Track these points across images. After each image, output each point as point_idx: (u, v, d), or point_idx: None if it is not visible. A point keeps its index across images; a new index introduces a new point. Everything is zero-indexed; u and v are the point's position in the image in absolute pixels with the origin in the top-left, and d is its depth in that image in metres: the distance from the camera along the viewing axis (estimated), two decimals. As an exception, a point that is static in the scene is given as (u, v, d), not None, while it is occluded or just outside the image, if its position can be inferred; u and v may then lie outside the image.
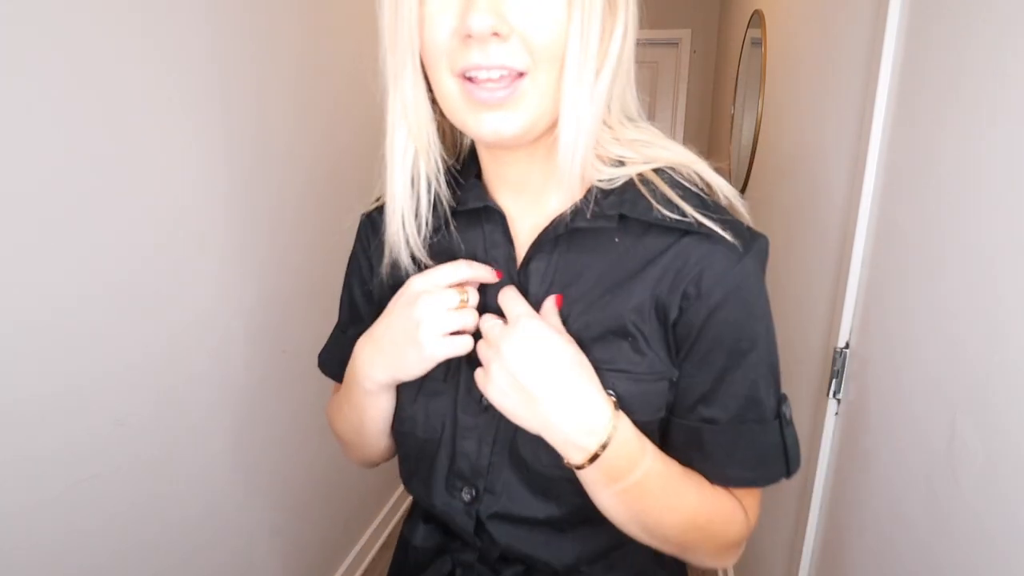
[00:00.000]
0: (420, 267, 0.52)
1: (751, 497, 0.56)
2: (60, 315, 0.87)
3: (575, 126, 0.46)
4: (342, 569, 1.78)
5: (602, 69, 0.46)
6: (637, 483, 0.48)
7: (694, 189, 0.51)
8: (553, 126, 0.47)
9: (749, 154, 2.01)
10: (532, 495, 0.54)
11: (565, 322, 0.51)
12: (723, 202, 0.53)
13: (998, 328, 0.59)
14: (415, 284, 0.51)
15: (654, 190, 0.49)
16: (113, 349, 0.95)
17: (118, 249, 0.95)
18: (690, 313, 0.49)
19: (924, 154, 0.77)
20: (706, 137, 3.65)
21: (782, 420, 0.53)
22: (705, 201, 0.50)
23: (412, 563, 0.63)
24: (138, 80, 0.95)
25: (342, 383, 0.63)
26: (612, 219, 0.49)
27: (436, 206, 0.53)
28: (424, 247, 0.53)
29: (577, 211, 0.50)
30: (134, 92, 0.95)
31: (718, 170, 0.52)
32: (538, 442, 0.49)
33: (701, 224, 0.48)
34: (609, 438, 0.46)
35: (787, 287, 1.43)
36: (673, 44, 3.59)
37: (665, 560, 0.60)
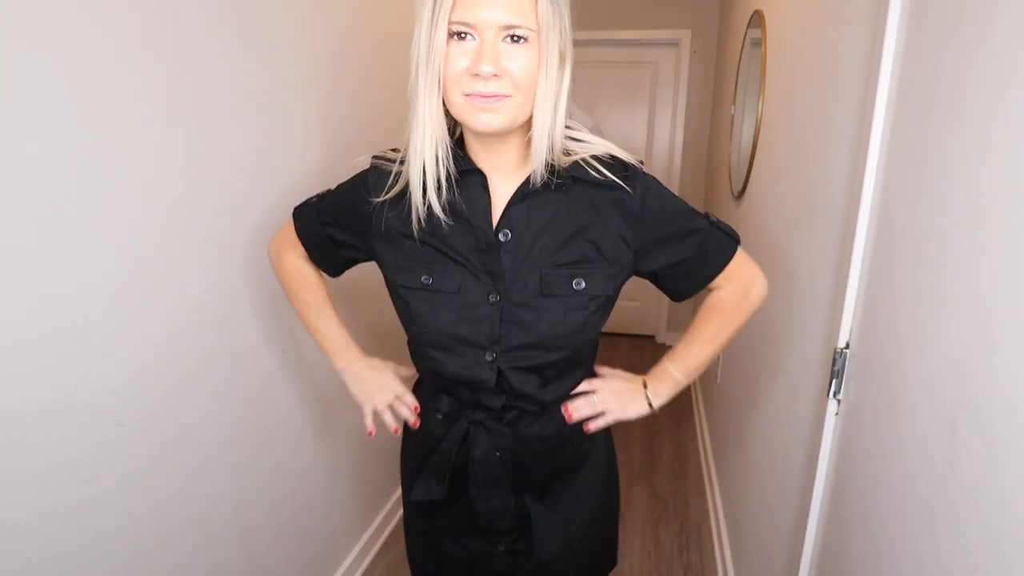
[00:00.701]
0: (445, 212, 0.77)
1: (738, 271, 0.89)
2: (60, 315, 0.87)
3: (543, 130, 0.73)
4: (342, 569, 1.78)
5: (558, 98, 0.73)
6: (685, 381, 0.92)
7: (609, 162, 0.79)
8: (522, 126, 0.75)
9: (749, 154, 2.01)
10: (533, 351, 0.80)
11: (548, 248, 0.79)
12: (627, 163, 0.81)
13: (998, 328, 0.60)
14: (388, 401, 0.97)
15: (589, 165, 0.78)
16: (113, 350, 0.95)
17: (117, 249, 0.95)
18: (639, 232, 0.81)
19: (924, 154, 0.77)
20: (706, 137, 3.65)
21: (713, 223, 0.86)
22: (614, 167, 0.79)
23: (432, 435, 0.90)
24: (135, 80, 0.95)
25: (295, 278, 1.01)
26: (567, 180, 0.78)
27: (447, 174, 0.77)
28: (444, 203, 0.77)
29: (542, 178, 0.76)
30: (129, 92, 0.95)
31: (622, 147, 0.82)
32: (539, 321, 0.78)
33: (616, 182, 0.78)
34: (652, 407, 0.91)
35: (787, 287, 1.43)
36: (673, 44, 3.59)
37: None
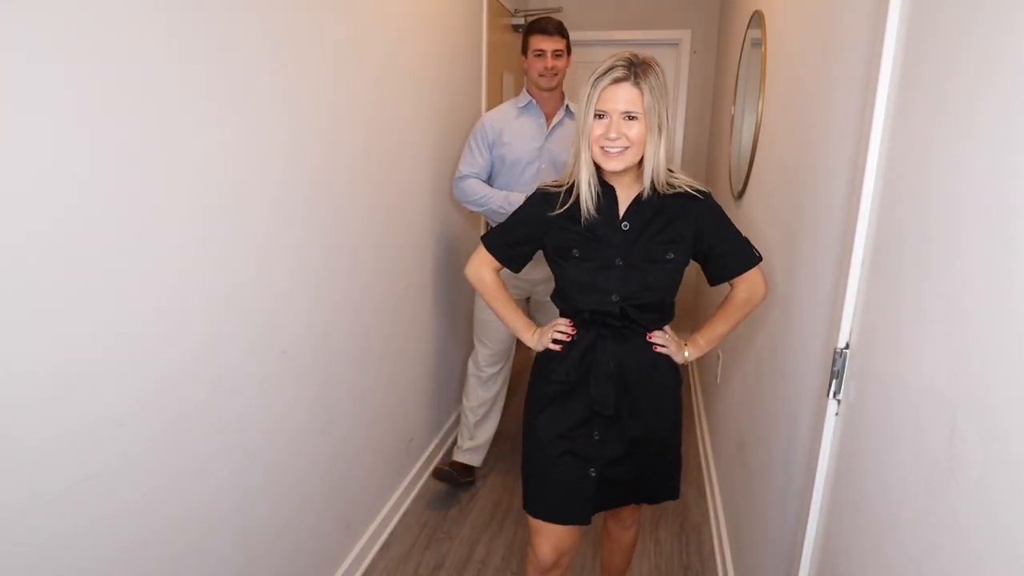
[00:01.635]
0: (591, 214, 1.25)
1: (752, 277, 1.31)
2: (59, 315, 0.87)
3: (648, 167, 1.21)
4: (342, 569, 1.78)
5: (656, 149, 1.19)
6: (706, 347, 1.37)
7: (691, 188, 1.27)
8: (637, 166, 1.23)
9: (749, 154, 2.01)
10: (642, 292, 1.26)
11: (650, 233, 1.25)
12: (701, 190, 1.28)
13: (998, 328, 0.60)
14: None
15: (679, 187, 1.26)
16: (113, 350, 0.95)
17: (117, 249, 0.95)
18: (706, 232, 1.28)
19: (924, 154, 0.77)
20: (706, 137, 3.65)
21: (745, 240, 1.31)
22: (693, 190, 1.27)
23: (569, 346, 1.33)
24: (137, 74, 0.95)
25: (489, 285, 1.46)
26: (666, 195, 1.25)
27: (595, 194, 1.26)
28: (594, 206, 1.25)
29: (651, 194, 1.25)
30: (135, 87, 0.95)
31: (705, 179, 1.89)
32: (646, 277, 1.25)
33: (695, 196, 1.27)
34: (686, 358, 1.35)
35: (787, 287, 1.43)
36: (673, 44, 3.59)
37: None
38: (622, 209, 1.26)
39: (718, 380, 2.41)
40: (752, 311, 1.35)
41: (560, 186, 1.31)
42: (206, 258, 1.13)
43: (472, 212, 2.64)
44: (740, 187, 2.15)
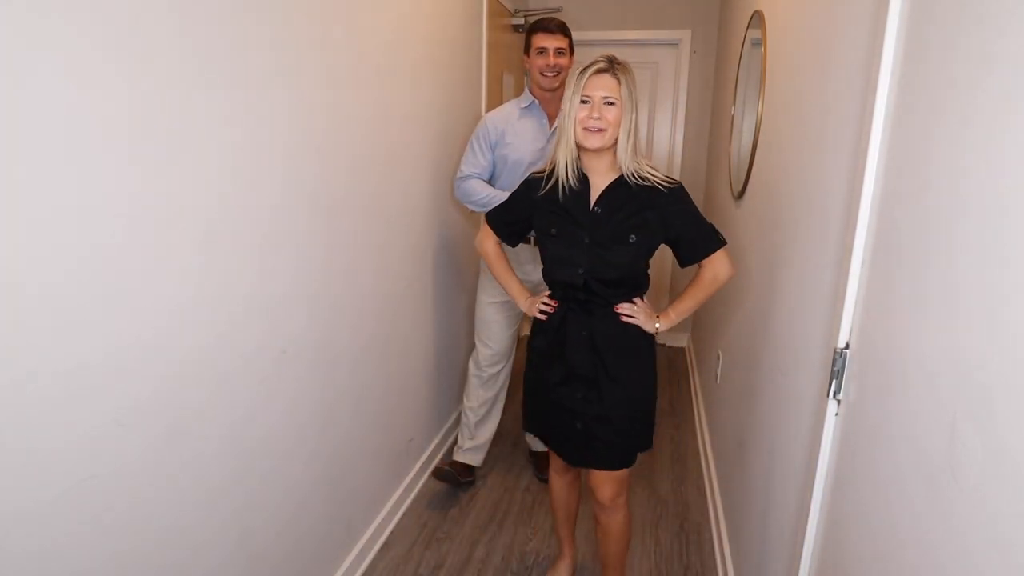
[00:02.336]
0: (567, 195, 1.46)
1: (717, 260, 1.47)
2: (59, 315, 0.87)
3: (623, 150, 1.41)
4: (342, 569, 1.78)
5: (630, 133, 1.39)
6: (676, 319, 1.53)
7: (664, 176, 1.45)
8: (611, 147, 1.42)
9: (749, 154, 2.01)
10: (604, 268, 1.43)
11: (619, 217, 1.42)
12: (671, 180, 1.44)
13: (998, 328, 0.60)
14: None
15: (649, 178, 1.43)
16: (113, 350, 0.96)
17: (117, 249, 0.95)
18: (672, 221, 1.44)
19: (924, 154, 0.77)
20: (706, 137, 3.65)
21: (711, 226, 1.47)
22: (663, 182, 1.44)
23: (550, 317, 1.55)
24: (141, 76, 0.95)
25: (495, 261, 1.72)
26: (636, 184, 1.42)
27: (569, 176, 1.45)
28: (570, 189, 1.45)
29: (623, 180, 1.43)
30: (138, 89, 0.95)
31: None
32: (608, 255, 1.43)
33: (662, 188, 1.43)
34: (656, 330, 1.52)
35: (787, 287, 1.43)
36: (673, 44, 3.60)
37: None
38: (596, 195, 1.45)
39: (718, 380, 2.41)
40: (719, 289, 1.51)
41: (542, 172, 1.53)
42: (206, 258, 1.13)
43: (472, 212, 2.63)
44: (740, 187, 2.15)
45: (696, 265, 1.49)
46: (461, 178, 2.21)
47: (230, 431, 1.25)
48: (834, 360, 0.98)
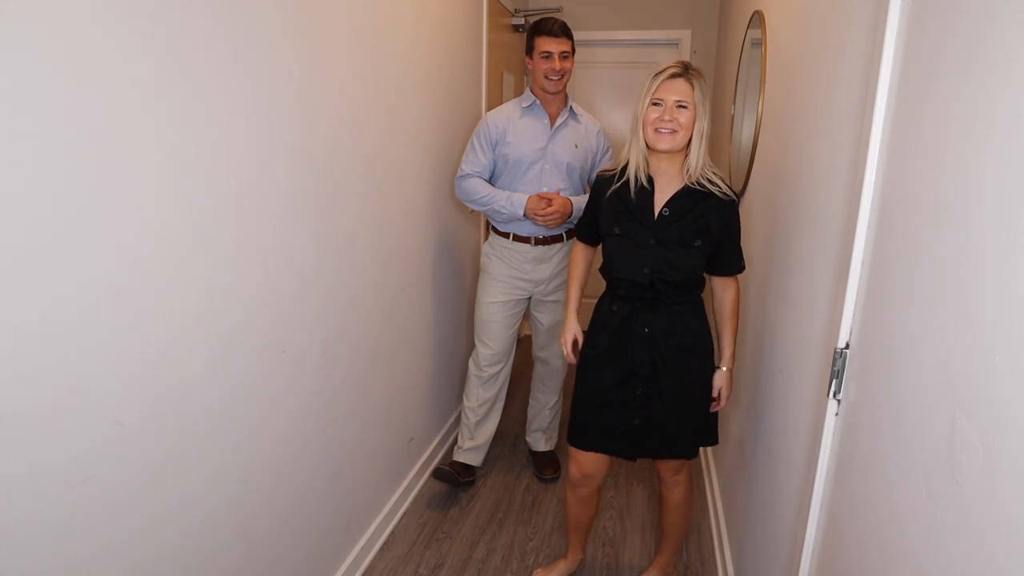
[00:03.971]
0: (633, 197, 1.51)
1: (734, 280, 1.56)
2: (59, 315, 0.87)
3: (695, 155, 1.45)
4: (342, 569, 1.78)
5: (700, 137, 1.44)
6: (731, 349, 1.60)
7: (726, 185, 1.49)
8: (681, 151, 1.47)
9: (749, 154, 2.01)
10: (669, 270, 1.47)
11: (685, 222, 1.47)
12: (734, 192, 1.49)
13: (998, 328, 0.60)
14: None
15: (717, 185, 1.48)
16: (112, 350, 0.96)
17: (118, 250, 0.95)
18: (725, 231, 1.49)
19: (924, 154, 0.77)
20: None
21: (742, 253, 1.55)
22: (731, 192, 1.49)
23: (612, 311, 1.56)
24: (145, 77, 0.95)
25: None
26: (703, 192, 1.47)
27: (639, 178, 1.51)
28: (637, 191, 1.51)
29: (690, 187, 1.48)
30: (141, 89, 0.95)
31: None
32: (674, 258, 1.47)
33: (726, 198, 1.48)
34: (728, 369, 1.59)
35: (787, 287, 1.43)
36: (673, 44, 3.59)
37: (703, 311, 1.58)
38: (663, 197, 1.50)
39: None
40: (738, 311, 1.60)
41: (613, 170, 1.57)
42: (206, 258, 1.13)
43: (472, 212, 2.64)
44: (740, 187, 2.15)
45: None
46: (461, 176, 2.21)
47: (230, 431, 1.25)
48: (834, 360, 0.98)
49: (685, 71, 1.41)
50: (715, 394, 1.57)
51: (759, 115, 1.90)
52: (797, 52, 1.52)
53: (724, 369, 1.56)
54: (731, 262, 1.53)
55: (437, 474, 2.25)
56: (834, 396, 0.99)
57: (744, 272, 1.57)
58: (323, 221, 1.53)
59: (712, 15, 3.52)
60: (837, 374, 0.98)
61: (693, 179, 1.46)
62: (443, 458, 2.52)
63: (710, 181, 1.46)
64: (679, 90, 1.40)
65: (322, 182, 1.51)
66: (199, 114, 1.08)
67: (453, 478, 2.24)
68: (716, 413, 1.60)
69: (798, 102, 1.46)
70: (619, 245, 1.52)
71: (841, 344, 0.97)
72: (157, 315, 1.03)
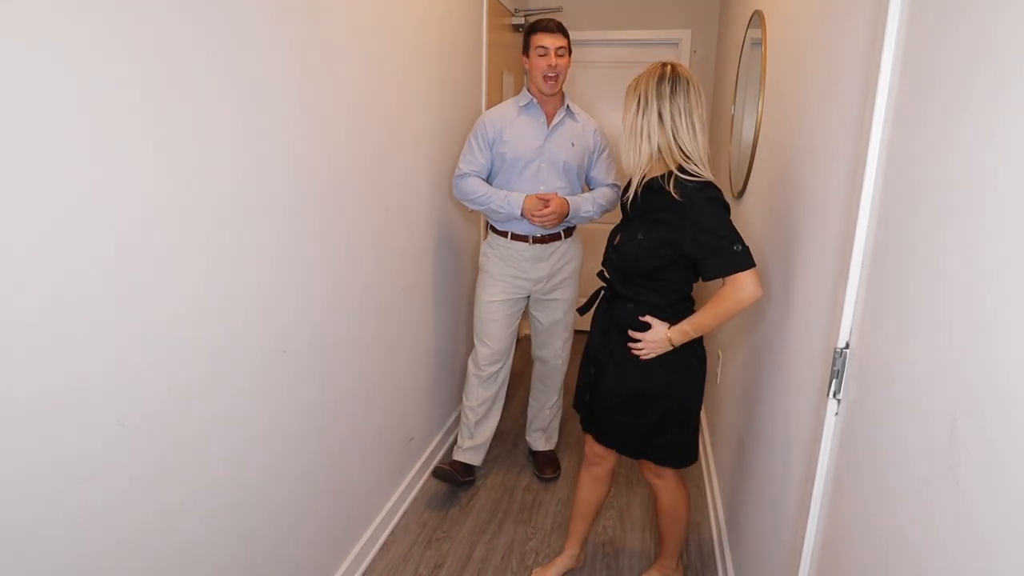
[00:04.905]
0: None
1: (743, 277, 1.35)
2: (59, 315, 0.87)
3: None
4: (342, 569, 1.78)
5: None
6: (692, 333, 1.46)
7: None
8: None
9: (749, 154, 2.01)
10: (622, 258, 1.50)
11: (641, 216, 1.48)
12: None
13: (998, 328, 0.60)
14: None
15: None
16: (112, 349, 0.96)
17: (118, 249, 0.95)
18: (685, 223, 1.38)
19: (924, 153, 0.77)
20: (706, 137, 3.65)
21: (734, 246, 1.36)
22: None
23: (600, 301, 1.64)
24: (152, 75, 0.95)
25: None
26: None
27: None
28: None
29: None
30: (148, 88, 0.95)
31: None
32: (623, 259, 1.50)
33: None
34: (671, 342, 1.49)
35: (787, 287, 1.43)
36: (673, 44, 3.59)
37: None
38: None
39: (718, 380, 2.41)
40: (740, 310, 1.43)
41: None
42: (206, 259, 1.13)
43: (471, 211, 2.63)
44: (740, 187, 2.15)
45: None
46: (459, 176, 2.21)
47: (230, 431, 1.25)
48: (834, 360, 0.98)
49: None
50: (638, 334, 1.49)
51: (759, 115, 1.90)
52: (797, 52, 1.52)
53: (664, 327, 1.47)
54: (715, 258, 1.39)
55: (437, 473, 2.25)
56: (834, 396, 0.99)
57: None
58: (324, 221, 1.53)
59: (712, 15, 3.51)
60: (837, 374, 0.98)
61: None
62: (443, 458, 2.52)
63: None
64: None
65: (323, 182, 1.51)
66: (199, 114, 1.08)
67: (453, 477, 2.24)
68: (674, 427, 1.54)
69: (798, 102, 1.46)
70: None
71: (841, 344, 0.97)
72: (158, 315, 1.03)
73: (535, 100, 2.19)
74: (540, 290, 2.30)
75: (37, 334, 0.84)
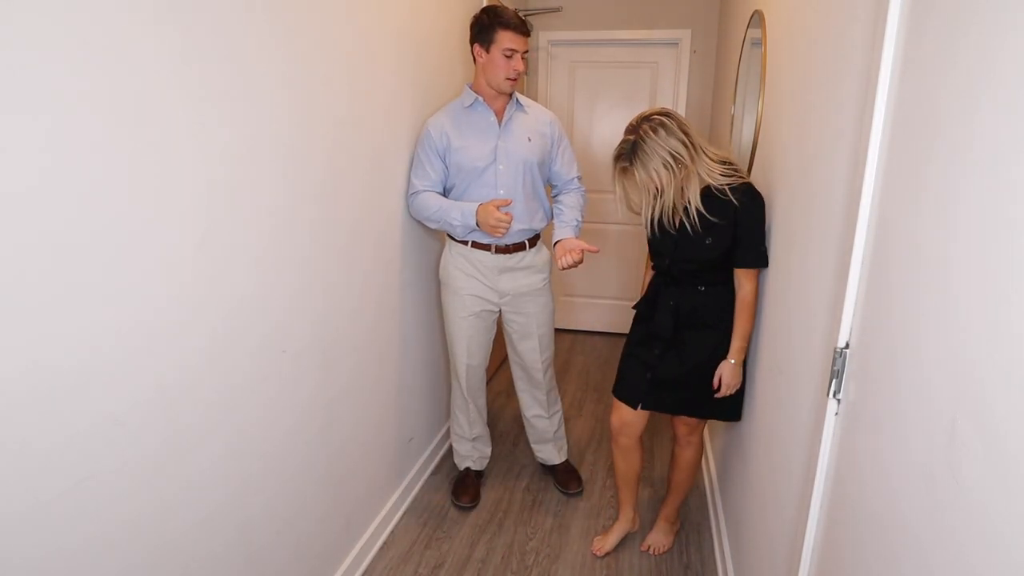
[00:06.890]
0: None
1: (756, 273, 1.66)
2: (59, 314, 0.87)
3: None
4: (342, 569, 1.78)
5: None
6: (744, 343, 1.69)
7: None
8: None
9: (749, 154, 2.01)
10: (687, 259, 1.68)
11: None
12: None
13: (998, 328, 0.59)
14: None
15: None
16: (112, 349, 0.95)
17: (117, 248, 0.95)
18: (742, 217, 1.61)
19: (924, 153, 0.77)
20: (706, 137, 3.65)
21: (762, 247, 1.63)
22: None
23: (651, 291, 1.83)
24: (141, 74, 0.95)
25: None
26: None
27: None
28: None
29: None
30: (138, 87, 0.95)
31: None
32: (688, 248, 1.66)
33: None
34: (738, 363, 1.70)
35: (787, 287, 1.43)
36: (673, 44, 3.59)
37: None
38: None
39: (718, 380, 2.40)
40: (746, 307, 1.69)
41: None
42: (206, 258, 1.13)
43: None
44: (740, 187, 2.15)
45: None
46: (413, 193, 1.99)
47: (230, 431, 1.25)
48: (834, 359, 0.98)
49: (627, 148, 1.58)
50: (715, 382, 1.69)
51: (759, 115, 1.90)
52: (797, 51, 1.52)
53: (730, 361, 1.67)
54: (750, 249, 1.63)
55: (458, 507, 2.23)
56: (834, 396, 0.99)
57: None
58: (323, 220, 1.53)
59: (712, 15, 3.51)
60: (837, 374, 0.98)
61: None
62: (443, 458, 2.52)
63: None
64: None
65: (322, 181, 1.51)
66: (199, 113, 1.08)
67: (473, 494, 2.25)
68: (741, 391, 1.73)
69: (798, 101, 1.46)
70: (655, 242, 1.81)
71: (841, 344, 0.97)
72: (157, 315, 1.03)
73: (481, 98, 1.98)
74: (508, 303, 2.13)
75: (38, 333, 0.84)
